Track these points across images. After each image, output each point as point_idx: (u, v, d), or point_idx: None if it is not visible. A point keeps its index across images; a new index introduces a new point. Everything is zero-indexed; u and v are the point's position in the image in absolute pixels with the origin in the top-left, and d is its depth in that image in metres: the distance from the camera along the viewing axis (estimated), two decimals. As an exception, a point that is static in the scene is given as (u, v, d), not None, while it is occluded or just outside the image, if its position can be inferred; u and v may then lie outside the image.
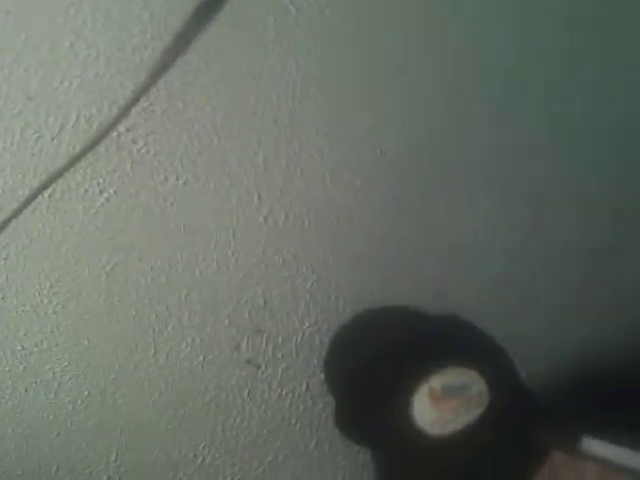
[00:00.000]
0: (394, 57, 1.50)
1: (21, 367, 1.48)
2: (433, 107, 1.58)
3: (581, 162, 1.76)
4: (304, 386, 1.67)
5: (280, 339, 1.62)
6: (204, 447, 1.64)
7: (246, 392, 1.63)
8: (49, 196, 1.37)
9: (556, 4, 1.56)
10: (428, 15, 1.48)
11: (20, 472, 1.55)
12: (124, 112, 1.33)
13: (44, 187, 1.35)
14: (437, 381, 1.42)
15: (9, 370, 1.48)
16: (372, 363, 1.49)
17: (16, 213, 1.36)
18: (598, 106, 1.73)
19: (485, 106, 1.62)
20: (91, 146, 1.33)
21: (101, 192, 1.40)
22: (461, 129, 1.62)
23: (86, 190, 1.39)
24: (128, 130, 1.37)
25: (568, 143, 1.73)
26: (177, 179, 1.44)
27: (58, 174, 1.34)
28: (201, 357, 1.58)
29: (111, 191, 1.40)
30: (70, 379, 1.51)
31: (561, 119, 1.70)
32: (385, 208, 1.62)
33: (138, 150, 1.39)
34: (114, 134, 1.36)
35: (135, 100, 1.33)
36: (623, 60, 1.68)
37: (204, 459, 1.65)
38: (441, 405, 1.40)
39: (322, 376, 1.66)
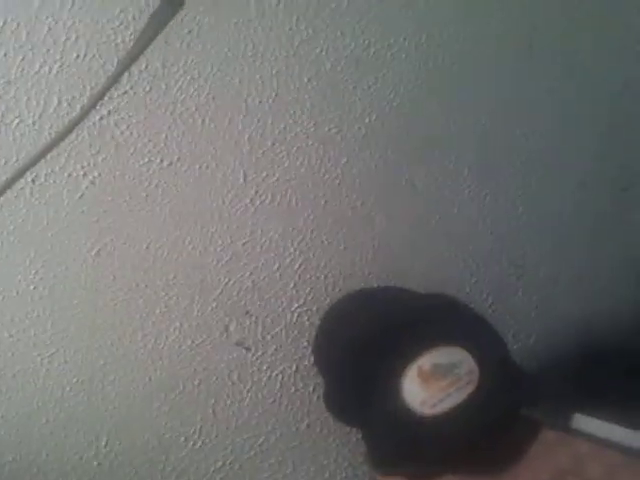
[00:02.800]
0: (379, 32, 1.50)
1: (9, 354, 1.47)
2: (423, 82, 1.57)
3: (576, 133, 1.76)
4: (294, 368, 1.66)
5: (269, 321, 1.61)
6: (195, 431, 1.63)
7: (236, 375, 1.62)
8: (32, 181, 1.36)
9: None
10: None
11: (10, 459, 1.54)
12: (100, 95, 1.31)
13: (25, 170, 1.34)
14: (426, 361, 1.41)
15: (-4, 357, 1.47)
16: (361, 344, 1.48)
17: (-2, 197, 1.35)
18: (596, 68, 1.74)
19: (470, 81, 1.62)
20: (69, 129, 1.32)
21: (85, 175, 1.39)
22: (447, 104, 1.62)
23: (70, 174, 1.37)
24: (110, 113, 1.35)
25: (562, 117, 1.73)
26: (161, 161, 1.42)
27: (38, 157, 1.33)
28: (190, 341, 1.57)
29: (95, 174, 1.39)
30: (58, 366, 1.50)
31: (555, 90, 1.71)
32: (372, 186, 1.61)
33: (121, 133, 1.38)
34: (97, 117, 1.35)
35: (112, 83, 1.31)
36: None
37: (195, 443, 1.64)
38: (431, 385, 1.39)
39: (312, 358, 1.66)
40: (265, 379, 1.65)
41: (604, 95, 1.78)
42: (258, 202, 1.52)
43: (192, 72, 1.39)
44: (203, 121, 1.43)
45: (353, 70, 1.50)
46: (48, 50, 1.28)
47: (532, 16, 1.62)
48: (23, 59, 1.27)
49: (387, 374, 1.42)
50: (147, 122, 1.39)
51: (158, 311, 1.53)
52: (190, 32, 1.36)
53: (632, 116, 1.82)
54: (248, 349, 1.62)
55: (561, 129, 1.76)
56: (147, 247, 1.48)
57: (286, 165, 1.52)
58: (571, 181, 1.80)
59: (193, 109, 1.41)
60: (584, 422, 1.48)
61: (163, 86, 1.37)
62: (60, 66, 1.29)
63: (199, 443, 1.64)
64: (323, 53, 1.47)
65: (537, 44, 1.64)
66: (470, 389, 1.40)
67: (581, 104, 1.76)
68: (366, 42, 1.49)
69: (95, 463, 1.59)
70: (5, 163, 1.33)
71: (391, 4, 1.49)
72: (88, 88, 1.32)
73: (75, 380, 1.52)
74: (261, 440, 1.69)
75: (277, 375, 1.66)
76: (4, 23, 1.23)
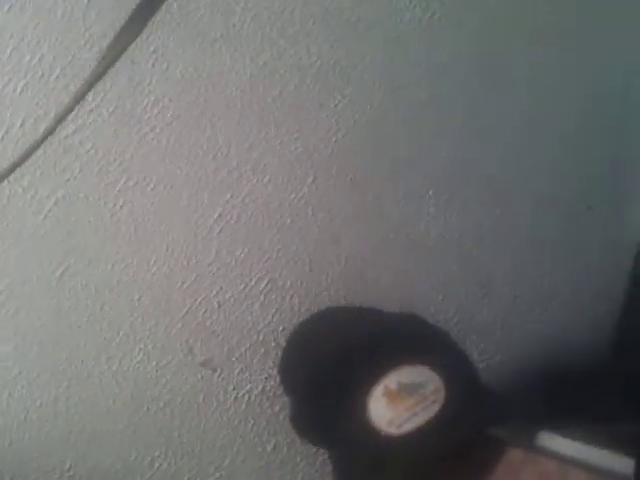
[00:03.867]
0: (345, 51, 1.51)
1: (-29, 376, 1.45)
2: (390, 102, 1.58)
3: (538, 153, 1.78)
4: (260, 388, 1.65)
5: (234, 341, 1.60)
6: (160, 453, 1.62)
7: (201, 396, 1.61)
8: (-5, 201, 1.35)
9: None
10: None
11: (-27, 482, 1.53)
12: (64, 114, 1.30)
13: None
14: (392, 380, 1.41)
15: (-42, 379, 1.45)
16: (327, 364, 1.48)
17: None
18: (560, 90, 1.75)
19: (436, 101, 1.63)
20: (33, 149, 1.31)
21: (49, 196, 1.37)
22: (413, 123, 1.63)
23: (33, 195, 1.36)
24: (75, 132, 1.34)
25: (523, 138, 1.75)
26: (127, 180, 1.42)
27: (1, 177, 1.31)
28: (154, 362, 1.56)
29: (59, 195, 1.38)
30: (21, 388, 1.48)
31: (516, 110, 1.72)
32: (339, 205, 1.61)
33: (86, 152, 1.37)
34: (61, 136, 1.34)
35: (77, 102, 1.31)
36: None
37: (160, 465, 1.62)
38: (397, 404, 1.39)
39: (278, 378, 1.65)
40: (231, 400, 1.64)
41: (565, 114, 1.79)
42: (223, 222, 1.52)
43: (157, 92, 1.38)
44: (168, 141, 1.42)
45: (319, 89, 1.51)
46: (12, 69, 1.27)
47: (497, 34, 1.64)
48: (-14, 79, 1.27)
49: (353, 394, 1.42)
50: (112, 141, 1.38)
51: (122, 333, 1.51)
52: (155, 51, 1.36)
53: (596, 133, 1.83)
54: (213, 370, 1.60)
55: (522, 150, 1.77)
56: (111, 268, 1.47)
57: (251, 184, 1.51)
58: (534, 200, 1.81)
59: (158, 129, 1.41)
60: (550, 440, 1.48)
61: (128, 105, 1.37)
62: (25, 85, 1.28)
63: (164, 465, 1.63)
64: (288, 73, 1.47)
65: (501, 62, 1.66)
66: (436, 408, 1.40)
67: (542, 124, 1.77)
68: (332, 61, 1.50)
69: (59, 487, 1.58)
70: (-32, 183, 1.32)
71: (357, 24, 1.50)
72: (53, 107, 1.31)
73: (39, 403, 1.50)
74: (227, 461, 1.68)
75: (243, 396, 1.64)
76: (-33, 43, 1.23)
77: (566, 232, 1.87)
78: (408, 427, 1.38)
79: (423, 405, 1.39)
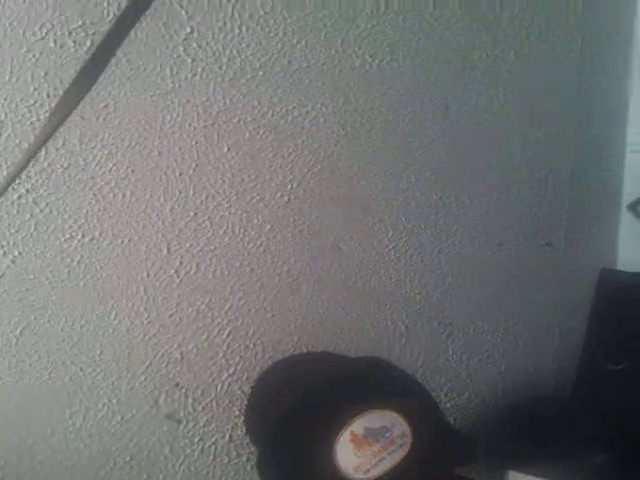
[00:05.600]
0: (296, 99, 1.52)
1: None
2: (342, 147, 1.59)
3: (498, 195, 1.78)
4: (227, 438, 1.64)
5: (199, 392, 1.59)
6: (127, 508, 1.61)
7: (168, 448, 1.60)
8: (-49, 263, 1.34)
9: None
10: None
11: None
12: (16, 173, 1.30)
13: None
14: (359, 425, 1.41)
15: None
16: (292, 412, 1.48)
17: None
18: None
19: (389, 144, 1.63)
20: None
21: (5, 255, 1.37)
22: (367, 167, 1.63)
23: (-12, 254, 1.36)
24: (28, 191, 1.34)
25: (476, 177, 1.75)
26: (83, 236, 1.41)
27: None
28: (119, 416, 1.54)
29: (16, 253, 1.37)
30: (-16, 449, 1.47)
31: (469, 150, 1.73)
32: (298, 252, 1.61)
33: (41, 210, 1.37)
34: (15, 196, 1.34)
35: (27, 162, 1.31)
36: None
37: (128, 521, 1.61)
38: (364, 449, 1.39)
39: (244, 427, 1.64)
40: (198, 451, 1.62)
41: (521, 153, 1.80)
42: (183, 273, 1.51)
43: (110, 147, 1.38)
44: (124, 195, 1.42)
45: (272, 138, 1.51)
46: (-39, 130, 1.27)
47: (448, 74, 1.65)
48: (-64, 140, 1.27)
49: (320, 441, 1.41)
50: (66, 198, 1.38)
51: (85, 388, 1.50)
52: (106, 107, 1.36)
53: (552, 172, 1.84)
54: (179, 422, 1.59)
55: (479, 190, 1.77)
56: (72, 324, 1.46)
57: (209, 235, 1.51)
58: (493, 239, 1.81)
59: (113, 184, 1.41)
60: (518, 479, 1.48)
61: (81, 162, 1.37)
62: (-26, 146, 1.29)
63: (132, 521, 1.62)
64: (241, 122, 1.48)
65: (455, 103, 1.67)
66: (403, 452, 1.40)
67: (499, 163, 1.78)
68: (284, 110, 1.51)
69: None
70: None
71: (307, 73, 1.51)
72: (5, 167, 1.31)
73: (2, 462, 1.48)
74: (196, 514, 1.67)
75: (210, 446, 1.63)
76: None
77: (526, 269, 1.87)
78: (375, 472, 1.38)
79: (390, 450, 1.39)
